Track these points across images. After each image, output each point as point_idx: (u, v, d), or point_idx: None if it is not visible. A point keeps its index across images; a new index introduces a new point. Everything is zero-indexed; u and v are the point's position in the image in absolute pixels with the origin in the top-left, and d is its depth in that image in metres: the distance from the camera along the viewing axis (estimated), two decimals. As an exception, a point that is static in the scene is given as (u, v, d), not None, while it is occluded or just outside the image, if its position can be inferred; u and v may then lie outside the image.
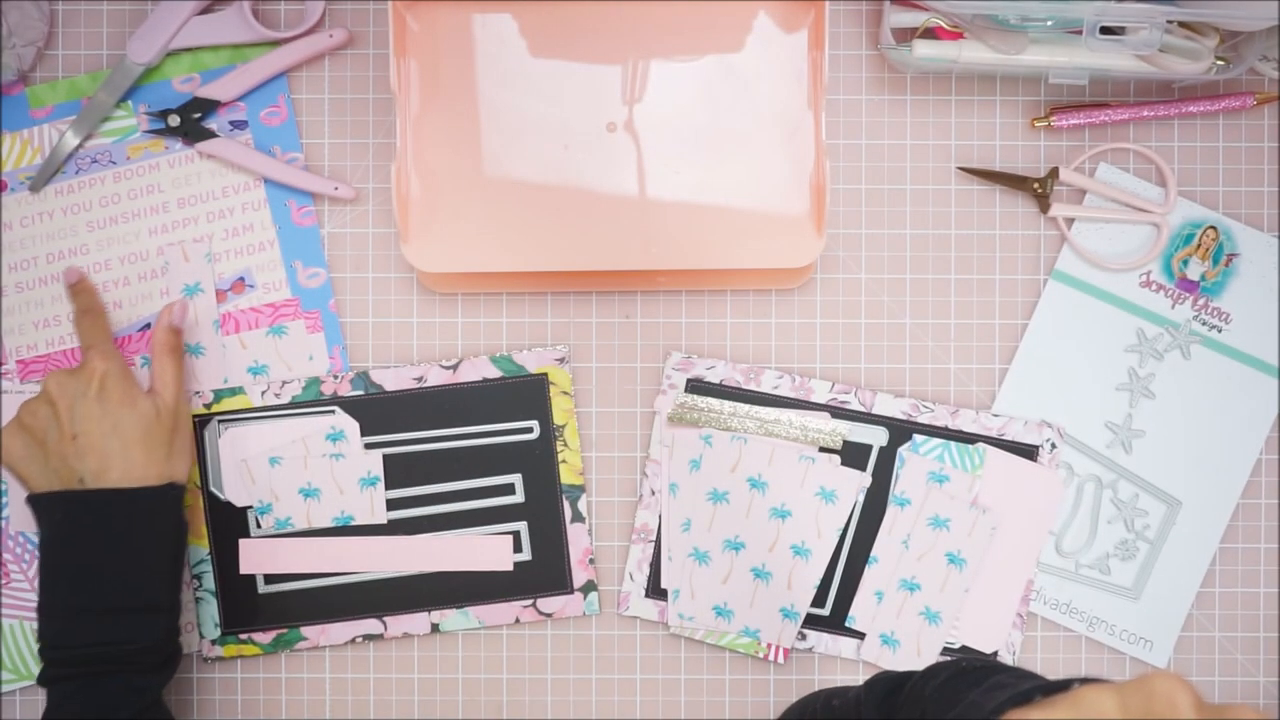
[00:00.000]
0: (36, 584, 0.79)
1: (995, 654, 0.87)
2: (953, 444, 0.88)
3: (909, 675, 0.69)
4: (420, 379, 0.88)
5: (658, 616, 0.88)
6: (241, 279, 0.89)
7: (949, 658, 0.87)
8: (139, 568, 0.79)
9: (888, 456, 0.88)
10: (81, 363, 0.81)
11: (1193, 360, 0.89)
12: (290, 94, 0.89)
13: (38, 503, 0.80)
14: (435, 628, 0.88)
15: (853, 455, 0.88)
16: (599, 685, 0.89)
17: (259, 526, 0.88)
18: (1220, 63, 0.86)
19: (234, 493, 0.88)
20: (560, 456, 0.88)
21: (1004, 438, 0.88)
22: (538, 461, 0.88)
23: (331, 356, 0.89)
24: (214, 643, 0.88)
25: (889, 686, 0.70)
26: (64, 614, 0.78)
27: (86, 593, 0.78)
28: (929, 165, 0.90)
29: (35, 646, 0.79)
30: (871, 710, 0.69)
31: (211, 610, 0.88)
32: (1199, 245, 0.89)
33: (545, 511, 0.88)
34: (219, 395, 0.88)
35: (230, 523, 0.88)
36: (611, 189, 0.85)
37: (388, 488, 0.88)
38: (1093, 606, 0.89)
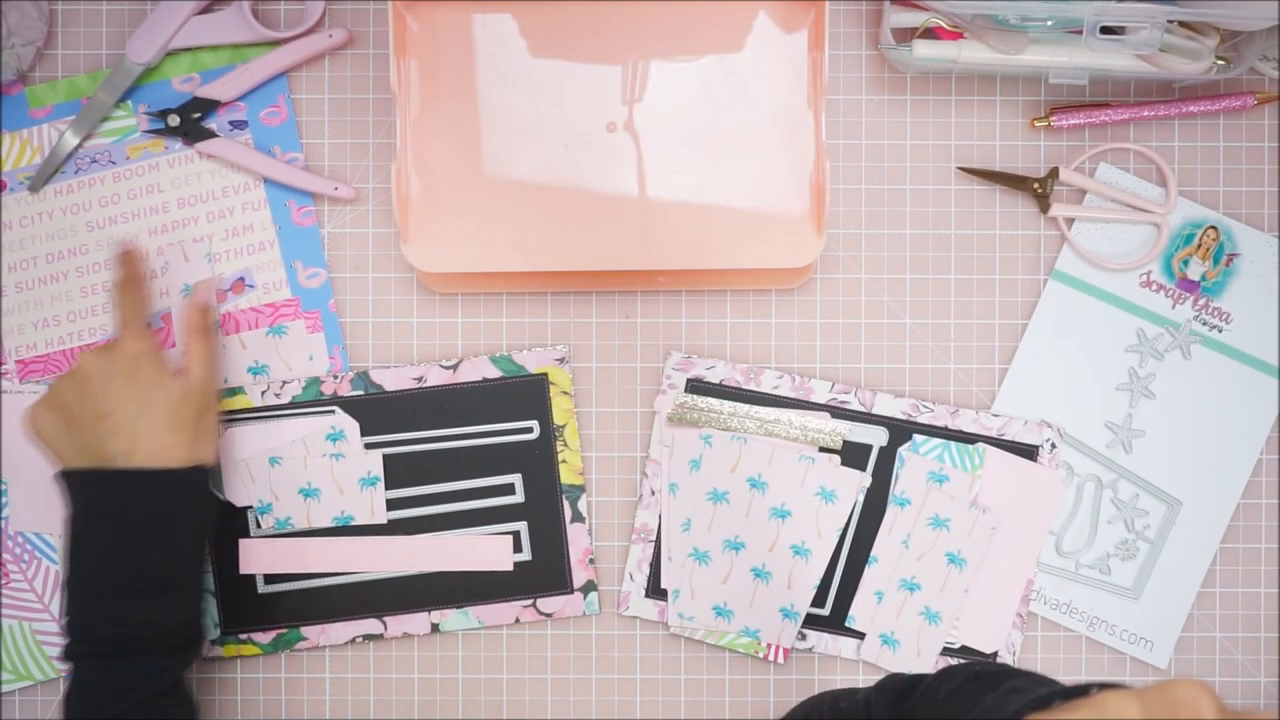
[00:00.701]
0: (64, 560, 0.79)
1: (995, 654, 0.87)
2: (953, 444, 0.88)
3: (921, 678, 0.69)
4: (420, 379, 0.88)
5: (658, 616, 0.88)
6: (241, 279, 0.89)
7: (956, 660, 0.87)
8: (164, 549, 0.79)
9: (888, 456, 0.88)
10: (115, 341, 0.81)
11: (1193, 360, 0.89)
12: (290, 94, 0.89)
13: (68, 479, 0.80)
14: (435, 628, 0.88)
15: (853, 455, 0.88)
16: (599, 685, 0.89)
17: (259, 526, 0.88)
18: (1221, 62, 0.86)
19: (234, 493, 0.88)
20: (560, 456, 0.88)
21: (1004, 438, 0.88)
22: (538, 461, 0.88)
23: (331, 356, 0.89)
24: (214, 643, 0.88)
25: (900, 689, 0.69)
26: (89, 592, 0.78)
27: (111, 572, 0.78)
28: (929, 165, 0.90)
29: (63, 621, 0.79)
30: (882, 712, 0.69)
31: (211, 610, 0.88)
32: (1199, 245, 0.89)
33: (545, 511, 0.88)
34: (219, 395, 0.88)
35: (230, 522, 0.88)
36: (611, 189, 0.85)
37: (388, 488, 0.88)
38: (1093, 606, 0.89)
